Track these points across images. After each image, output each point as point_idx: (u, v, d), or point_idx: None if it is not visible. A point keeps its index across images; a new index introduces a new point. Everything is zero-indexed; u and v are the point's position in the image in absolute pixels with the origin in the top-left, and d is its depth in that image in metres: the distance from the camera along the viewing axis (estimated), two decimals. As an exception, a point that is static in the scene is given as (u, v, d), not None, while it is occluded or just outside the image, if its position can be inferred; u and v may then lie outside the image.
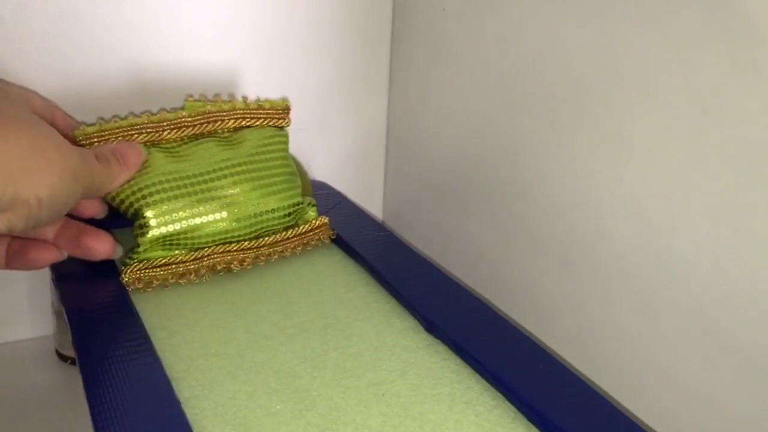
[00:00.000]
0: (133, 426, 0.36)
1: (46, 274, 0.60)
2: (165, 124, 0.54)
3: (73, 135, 0.52)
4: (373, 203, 0.76)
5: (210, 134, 0.56)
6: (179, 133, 0.54)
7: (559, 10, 0.52)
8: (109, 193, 0.50)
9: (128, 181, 0.50)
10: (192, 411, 0.39)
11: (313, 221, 0.58)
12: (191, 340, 0.46)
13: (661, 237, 0.46)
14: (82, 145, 0.51)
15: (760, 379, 0.41)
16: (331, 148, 0.72)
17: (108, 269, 0.51)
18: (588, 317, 0.53)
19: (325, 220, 0.59)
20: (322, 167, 0.72)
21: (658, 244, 0.47)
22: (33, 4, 0.55)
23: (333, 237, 0.60)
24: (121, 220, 0.52)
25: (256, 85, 0.65)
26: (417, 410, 0.40)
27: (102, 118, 0.53)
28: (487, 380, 0.43)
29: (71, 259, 0.50)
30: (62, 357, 0.61)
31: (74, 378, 0.60)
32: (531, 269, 0.59)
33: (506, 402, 0.41)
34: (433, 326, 0.48)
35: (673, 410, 0.47)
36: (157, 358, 0.42)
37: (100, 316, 0.46)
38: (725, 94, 0.41)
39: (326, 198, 0.66)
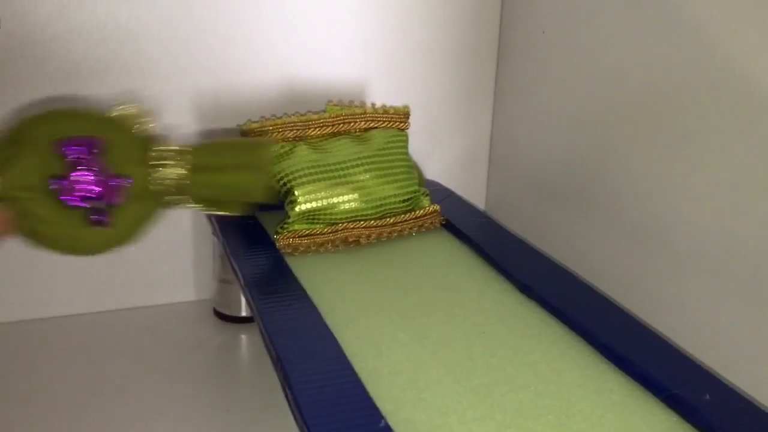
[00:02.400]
0: (300, 341, 0.48)
1: (210, 246, 0.74)
2: (311, 122, 0.67)
3: (239, 129, 0.66)
4: (476, 200, 0.87)
5: (345, 132, 0.69)
6: (321, 131, 0.67)
7: (639, 30, 0.61)
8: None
9: None
10: (338, 336, 0.50)
11: (427, 208, 0.70)
12: (332, 289, 0.57)
13: (722, 219, 0.55)
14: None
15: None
16: (442, 151, 0.84)
17: (267, 241, 0.64)
18: (659, 286, 0.62)
19: (437, 207, 0.70)
20: (434, 168, 0.83)
21: (719, 226, 0.55)
22: (210, 29, 0.70)
23: (443, 222, 0.70)
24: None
25: (382, 94, 0.77)
26: (511, 344, 0.51)
27: (263, 117, 0.67)
28: (569, 327, 0.53)
29: (239, 235, 0.64)
30: (219, 315, 0.75)
31: (228, 331, 0.73)
32: (613, 250, 0.67)
33: (584, 342, 0.51)
34: (526, 288, 0.58)
35: (727, 358, 0.55)
36: (310, 299, 0.54)
37: (265, 271, 0.59)
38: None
39: (437, 192, 0.77)
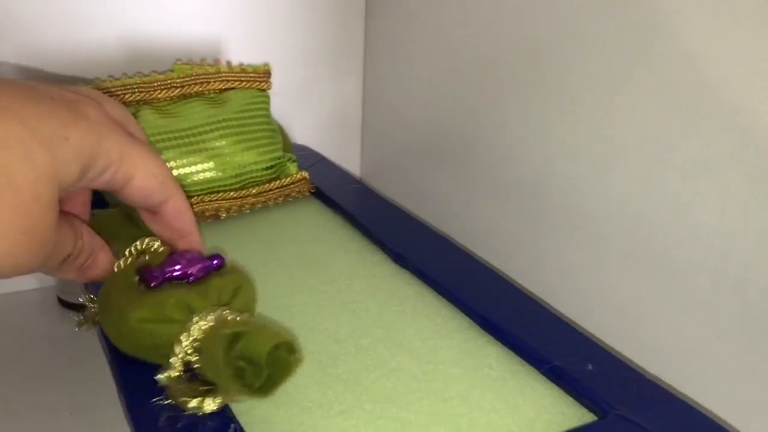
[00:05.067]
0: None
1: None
2: (156, 84, 0.59)
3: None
4: (351, 164, 0.82)
5: (197, 95, 0.61)
6: (169, 93, 0.60)
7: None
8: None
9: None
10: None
11: (294, 175, 0.64)
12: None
13: (599, 175, 0.52)
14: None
15: (683, 292, 0.47)
16: (311, 113, 0.78)
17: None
18: (538, 250, 0.59)
19: (305, 174, 0.64)
20: (303, 132, 0.77)
21: (596, 182, 0.53)
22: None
23: (312, 190, 0.65)
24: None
25: (240, 52, 0.70)
26: (384, 321, 0.46)
27: (98, 78, 0.58)
28: (446, 298, 0.49)
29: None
30: (63, 303, 0.67)
31: (74, 321, 0.65)
32: (490, 213, 0.64)
33: (461, 314, 0.47)
34: (399, 257, 0.53)
35: (610, 324, 0.53)
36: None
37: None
38: (647, 48, 0.47)
39: (306, 158, 0.71)
